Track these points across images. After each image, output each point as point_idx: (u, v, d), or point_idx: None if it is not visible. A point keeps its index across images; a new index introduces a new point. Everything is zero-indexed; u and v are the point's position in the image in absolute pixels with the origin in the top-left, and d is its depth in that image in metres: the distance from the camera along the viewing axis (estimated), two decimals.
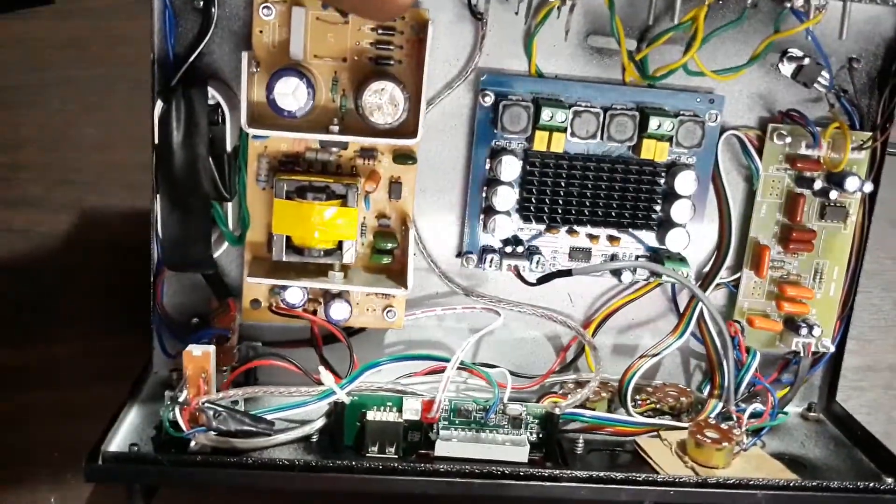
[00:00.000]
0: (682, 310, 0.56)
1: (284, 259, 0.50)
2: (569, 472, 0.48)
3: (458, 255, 0.55)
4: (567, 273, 0.52)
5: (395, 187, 0.52)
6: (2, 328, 0.60)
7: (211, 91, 0.48)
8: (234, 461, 0.46)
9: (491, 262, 0.54)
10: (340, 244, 0.50)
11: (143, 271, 0.53)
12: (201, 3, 0.49)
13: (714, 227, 0.55)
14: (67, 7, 0.68)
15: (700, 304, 0.54)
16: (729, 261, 0.55)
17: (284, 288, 0.51)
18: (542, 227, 0.54)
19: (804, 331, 0.55)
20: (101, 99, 0.65)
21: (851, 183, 0.53)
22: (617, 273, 0.54)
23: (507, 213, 0.53)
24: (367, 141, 0.49)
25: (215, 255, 0.51)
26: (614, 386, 0.55)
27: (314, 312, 0.52)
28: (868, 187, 0.53)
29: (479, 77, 0.52)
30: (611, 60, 0.52)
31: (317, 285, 0.51)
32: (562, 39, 0.52)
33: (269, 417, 0.48)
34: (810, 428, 0.57)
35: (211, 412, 0.45)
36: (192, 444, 0.46)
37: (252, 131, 0.48)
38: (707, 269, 0.56)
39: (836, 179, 0.53)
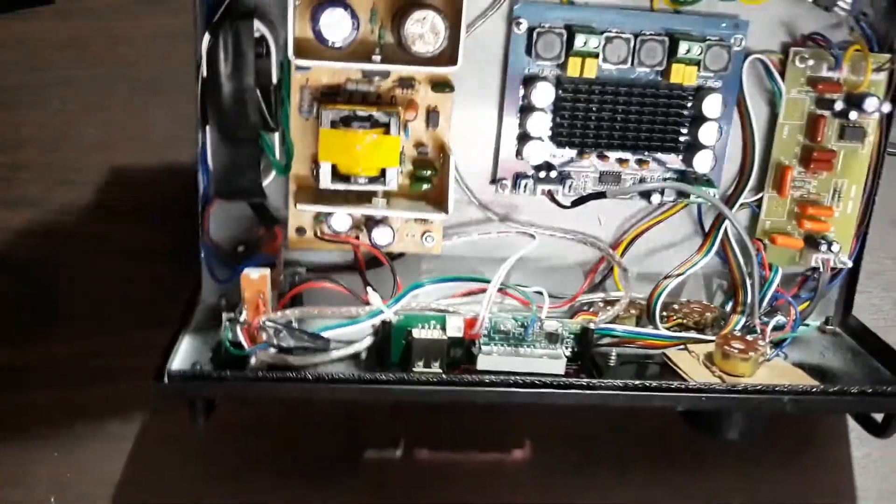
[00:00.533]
0: (707, 230, 0.58)
1: (331, 187, 0.52)
2: (605, 381, 0.51)
3: (493, 181, 0.57)
4: (601, 195, 0.54)
5: (432, 116, 0.54)
6: (2, 328, 0.60)
7: (256, 24, 0.49)
8: (295, 376, 0.48)
9: (525, 187, 0.56)
10: (383, 172, 0.52)
11: (142, 272, 0.55)
12: None
13: (738, 150, 0.57)
14: (67, 7, 0.68)
15: (724, 223, 0.57)
16: (752, 182, 0.58)
17: (329, 215, 0.53)
18: (574, 152, 0.56)
19: (823, 247, 0.58)
20: (101, 99, 0.65)
21: (870, 104, 0.55)
22: (646, 195, 0.57)
23: (541, 139, 0.55)
24: (409, 70, 0.51)
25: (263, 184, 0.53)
26: (642, 304, 0.58)
27: (357, 238, 0.55)
28: (886, 107, 0.55)
29: (513, 5, 0.53)
30: None
31: (362, 211, 0.53)
32: None
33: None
34: (828, 340, 0.60)
35: (272, 329, 0.48)
36: (252, 361, 0.49)
37: (298, 62, 0.49)
38: (731, 190, 0.58)
39: (855, 101, 0.55)
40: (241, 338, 0.48)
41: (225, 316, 0.50)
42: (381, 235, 0.54)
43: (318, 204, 0.52)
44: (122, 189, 0.64)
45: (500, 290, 0.53)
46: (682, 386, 0.51)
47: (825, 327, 0.61)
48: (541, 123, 0.54)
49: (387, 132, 0.51)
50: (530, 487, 0.59)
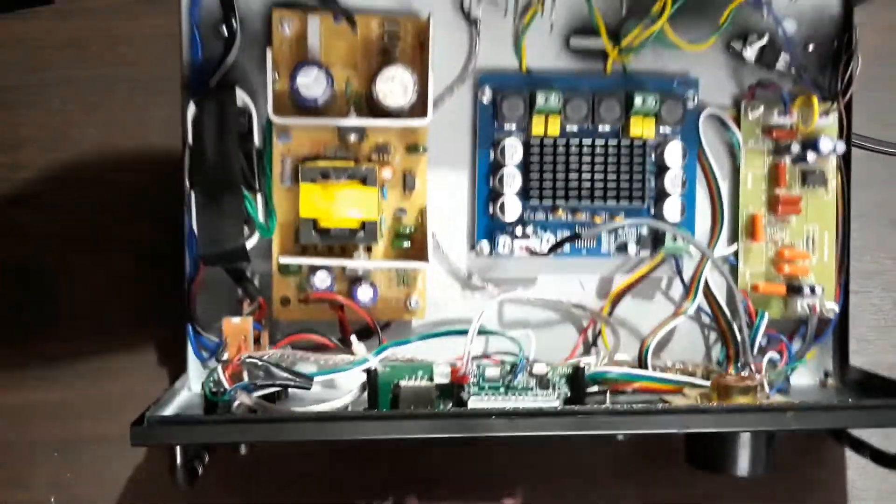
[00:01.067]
0: (688, 281, 0.59)
1: (312, 241, 0.53)
2: (608, 406, 0.49)
3: (472, 247, 0.58)
4: (576, 237, 0.56)
5: (408, 179, 0.56)
6: (2, 328, 0.60)
7: (239, 94, 0.53)
8: (278, 415, 0.47)
9: (504, 245, 0.57)
10: (363, 226, 0.54)
11: (142, 272, 0.55)
12: (226, 31, 0.55)
13: (707, 203, 0.59)
14: (67, 7, 0.68)
15: (705, 271, 0.58)
16: (725, 232, 0.59)
17: (311, 275, 0.54)
18: (547, 207, 0.57)
19: (806, 290, 0.58)
20: (101, 99, 0.66)
21: (825, 144, 0.58)
22: (623, 247, 0.58)
23: (515, 194, 0.57)
24: (384, 123, 0.54)
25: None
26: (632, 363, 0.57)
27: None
28: (841, 147, 0.58)
29: (477, 77, 0.57)
30: (593, 58, 0.58)
31: (343, 263, 0.54)
32: (548, 40, 0.58)
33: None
34: (830, 393, 0.59)
35: (252, 365, 0.47)
36: (235, 405, 0.48)
37: (277, 120, 0.52)
38: (707, 243, 0.59)
39: (810, 143, 0.58)
40: (223, 377, 0.47)
41: (209, 366, 0.49)
42: (363, 293, 0.54)
43: (301, 257, 0.53)
44: (122, 189, 0.64)
45: (486, 333, 0.53)
46: (690, 408, 0.50)
47: (825, 381, 0.60)
48: (513, 179, 0.57)
49: (364, 184, 0.53)
50: None
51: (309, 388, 0.49)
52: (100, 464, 0.58)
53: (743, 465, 0.52)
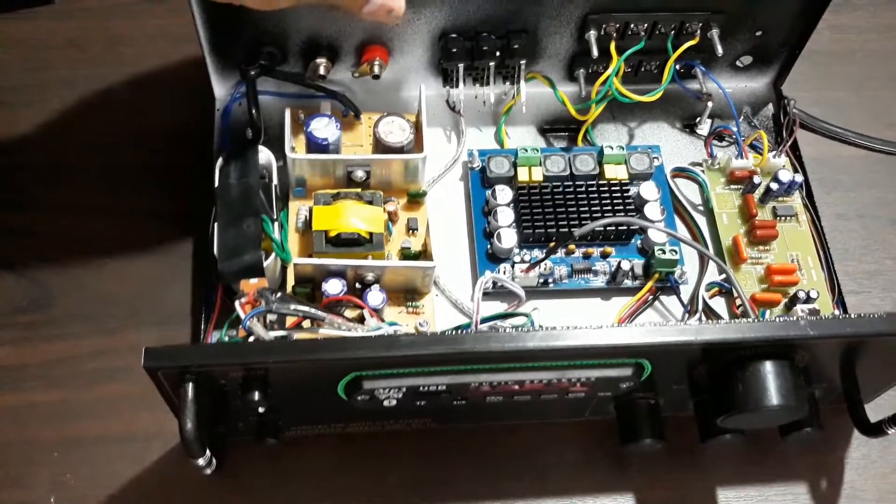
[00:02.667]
0: (687, 302, 0.61)
1: (324, 250, 0.57)
2: None
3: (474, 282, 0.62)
4: (570, 236, 0.59)
5: (411, 221, 0.62)
6: (2, 328, 0.59)
7: (261, 152, 0.61)
8: (290, 341, 0.47)
9: (504, 273, 0.61)
10: (371, 237, 0.58)
11: (142, 272, 0.57)
12: (251, 133, 0.65)
13: (689, 236, 0.64)
14: (67, 7, 0.68)
15: (701, 289, 0.61)
16: (712, 267, 0.63)
17: (324, 281, 0.57)
18: (541, 244, 0.62)
19: (802, 295, 0.60)
20: (101, 99, 0.65)
21: (784, 175, 0.64)
22: (614, 276, 0.61)
23: (509, 227, 0.62)
24: (385, 157, 0.61)
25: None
26: None
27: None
28: (799, 177, 0.65)
29: (466, 153, 0.66)
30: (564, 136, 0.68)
31: (354, 262, 0.57)
32: (524, 127, 0.68)
33: None
34: None
35: (269, 293, 0.49)
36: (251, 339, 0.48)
37: (292, 156, 0.60)
38: (696, 275, 0.63)
39: (771, 177, 0.65)
40: (240, 311, 0.49)
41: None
42: (373, 298, 0.57)
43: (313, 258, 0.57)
44: (122, 189, 0.63)
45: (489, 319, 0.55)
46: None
47: None
48: (506, 216, 0.62)
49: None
50: None
51: (323, 322, 0.50)
52: (100, 464, 0.55)
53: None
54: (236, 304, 0.49)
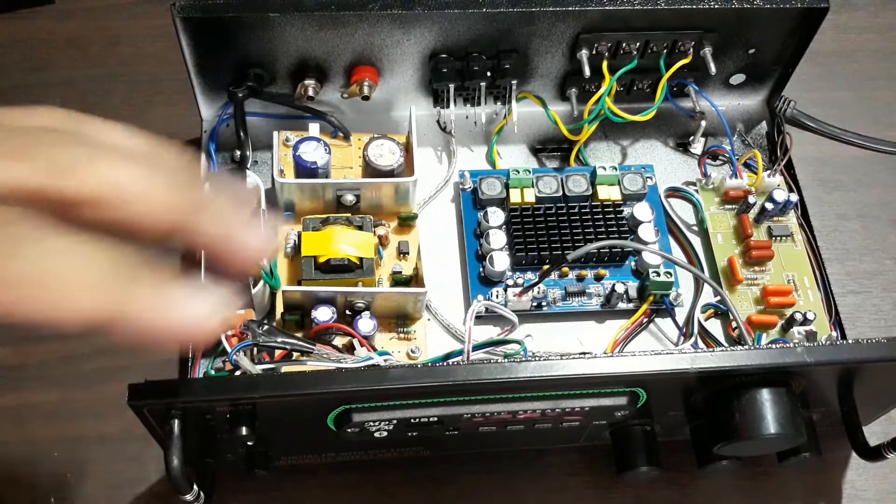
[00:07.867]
0: (681, 324, 0.60)
1: (314, 277, 0.56)
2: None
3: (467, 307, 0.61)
4: (563, 259, 0.58)
5: (402, 244, 0.61)
6: (2, 328, 0.58)
7: (249, 177, 0.60)
8: (278, 374, 0.46)
9: (497, 296, 0.60)
10: (362, 262, 0.57)
11: None
12: (239, 156, 0.64)
13: (683, 257, 0.63)
14: (67, 7, 0.68)
15: (696, 311, 0.60)
16: (707, 288, 0.62)
17: (313, 308, 0.56)
18: (534, 266, 0.61)
19: (799, 316, 0.60)
20: (101, 99, 0.65)
21: (780, 194, 0.64)
22: (608, 299, 0.61)
23: (501, 250, 0.61)
24: (374, 180, 0.60)
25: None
26: None
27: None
28: (794, 196, 0.64)
29: (458, 174, 0.65)
30: (556, 156, 0.67)
31: (344, 290, 0.56)
32: (516, 147, 0.67)
33: None
34: None
35: (255, 326, 0.48)
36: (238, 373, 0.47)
37: (281, 180, 0.59)
38: (691, 298, 0.62)
39: (766, 197, 0.64)
40: (226, 344, 0.48)
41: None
42: (364, 325, 0.56)
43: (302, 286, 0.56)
44: None
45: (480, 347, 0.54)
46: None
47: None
48: (498, 239, 0.61)
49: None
50: None
51: (311, 353, 0.49)
52: (100, 464, 0.54)
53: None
54: (222, 337, 0.48)
